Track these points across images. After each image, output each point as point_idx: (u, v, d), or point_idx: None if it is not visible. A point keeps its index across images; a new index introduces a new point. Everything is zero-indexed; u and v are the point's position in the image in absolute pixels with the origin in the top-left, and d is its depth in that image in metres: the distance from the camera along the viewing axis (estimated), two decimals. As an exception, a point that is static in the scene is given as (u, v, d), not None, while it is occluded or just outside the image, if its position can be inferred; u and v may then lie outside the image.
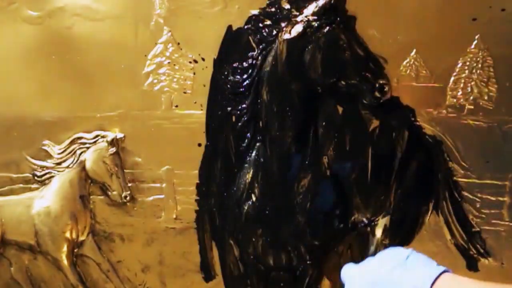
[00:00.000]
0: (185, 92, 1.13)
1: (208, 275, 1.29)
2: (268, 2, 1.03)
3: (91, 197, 1.27)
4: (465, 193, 1.11)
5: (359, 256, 1.20)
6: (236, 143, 1.14)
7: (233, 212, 1.19)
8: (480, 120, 1.05)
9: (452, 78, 1.04)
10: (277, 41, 1.03)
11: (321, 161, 1.11)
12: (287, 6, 1.02)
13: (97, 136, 1.20)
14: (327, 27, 1.00)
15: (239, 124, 1.12)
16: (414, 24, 0.99)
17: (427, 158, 1.10)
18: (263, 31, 1.04)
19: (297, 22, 1.01)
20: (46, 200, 1.25)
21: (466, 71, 1.03)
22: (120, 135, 1.19)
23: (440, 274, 0.74)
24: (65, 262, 1.29)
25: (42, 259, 1.32)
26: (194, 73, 1.11)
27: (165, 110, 1.15)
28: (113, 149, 1.19)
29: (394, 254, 0.82)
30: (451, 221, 1.14)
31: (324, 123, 1.08)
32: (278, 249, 1.20)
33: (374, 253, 1.17)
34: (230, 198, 1.19)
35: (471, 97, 1.05)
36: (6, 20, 1.12)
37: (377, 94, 1.00)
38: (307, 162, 1.11)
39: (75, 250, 1.30)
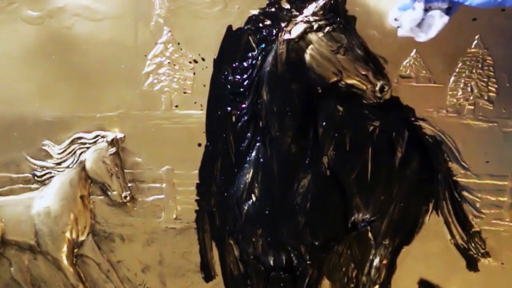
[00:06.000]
0: (185, 92, 1.13)
1: (208, 275, 1.29)
2: (268, 2, 1.03)
3: (91, 197, 1.27)
4: (465, 193, 1.12)
5: (359, 256, 1.20)
6: (236, 143, 1.14)
7: (233, 212, 1.19)
8: (480, 120, 1.05)
9: (452, 78, 1.04)
10: (277, 41, 1.03)
11: (321, 161, 1.11)
12: (287, 6, 1.01)
13: (97, 136, 1.20)
14: (327, 27, 1.00)
15: (239, 124, 1.12)
16: (414, 24, 0.99)
17: (427, 158, 1.10)
18: (263, 31, 1.04)
19: (297, 22, 1.01)
20: (46, 200, 1.25)
21: (466, 71, 1.03)
22: (120, 135, 1.19)
23: None
24: (65, 262, 1.29)
25: (42, 259, 1.32)
26: (194, 73, 1.11)
27: (165, 110, 1.15)
28: (113, 149, 1.19)
29: None
30: (451, 221, 1.14)
31: (324, 123, 1.08)
32: (278, 249, 1.20)
33: (375, 254, 1.18)
34: (230, 198, 1.19)
35: (471, 97, 1.05)
36: (6, 20, 1.12)
37: (377, 94, 1.00)
38: (307, 162, 1.11)
39: (75, 250, 1.30)
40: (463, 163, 1.09)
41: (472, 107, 1.05)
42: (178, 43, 1.10)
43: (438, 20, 0.86)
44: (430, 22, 0.87)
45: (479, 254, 1.15)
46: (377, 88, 1.00)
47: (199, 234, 1.25)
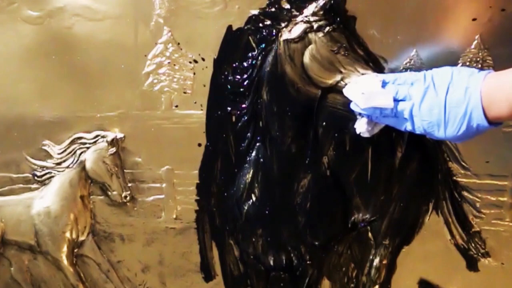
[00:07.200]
0: (185, 92, 1.13)
1: (208, 275, 1.29)
2: (268, 2, 1.03)
3: (91, 197, 1.27)
4: (465, 193, 1.11)
5: (359, 256, 1.20)
6: (236, 143, 1.14)
7: (233, 212, 1.19)
8: (480, 120, 1.05)
9: (452, 78, 1.04)
10: (277, 41, 1.03)
11: (321, 161, 1.11)
12: (287, 6, 1.02)
13: (97, 136, 1.20)
14: (327, 27, 1.00)
15: (239, 124, 1.12)
16: (414, 24, 0.99)
17: (427, 158, 1.10)
18: (263, 31, 1.05)
19: (297, 22, 1.01)
20: (46, 200, 1.26)
21: (466, 71, 1.03)
22: (120, 135, 1.19)
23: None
24: (65, 262, 1.29)
25: (42, 259, 1.32)
26: (194, 73, 1.11)
27: (165, 110, 1.15)
28: (113, 149, 1.19)
29: (441, 77, 0.87)
30: (451, 221, 1.14)
31: (324, 123, 1.08)
32: (278, 249, 1.20)
33: (375, 254, 1.18)
34: (230, 198, 1.19)
35: (471, 97, 1.05)
36: (6, 20, 1.12)
37: (377, 94, 1.00)
38: (307, 162, 1.11)
39: (75, 250, 1.30)
40: (463, 163, 1.09)
41: (472, 107, 1.05)
42: (178, 43, 1.10)
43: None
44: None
45: (479, 254, 1.15)
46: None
47: (199, 234, 1.25)
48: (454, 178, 1.11)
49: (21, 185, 1.28)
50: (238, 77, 1.09)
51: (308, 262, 1.21)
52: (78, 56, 1.13)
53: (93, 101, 1.17)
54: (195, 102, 1.14)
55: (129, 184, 1.23)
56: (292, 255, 1.21)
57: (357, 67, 1.01)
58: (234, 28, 1.06)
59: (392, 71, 1.02)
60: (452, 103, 0.82)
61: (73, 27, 1.11)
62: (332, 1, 0.99)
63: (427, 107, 0.85)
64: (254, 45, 1.06)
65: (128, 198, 1.23)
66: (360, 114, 0.99)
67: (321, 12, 1.00)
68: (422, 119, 0.86)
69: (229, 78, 1.10)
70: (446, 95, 0.83)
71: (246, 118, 1.11)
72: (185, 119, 1.15)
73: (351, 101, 0.98)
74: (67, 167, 1.23)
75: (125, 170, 1.22)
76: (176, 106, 1.15)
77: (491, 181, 1.09)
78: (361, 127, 1.00)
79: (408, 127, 0.89)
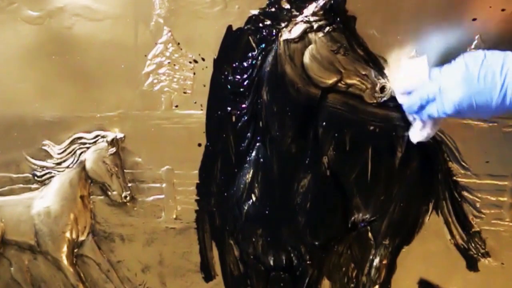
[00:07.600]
0: (185, 92, 1.13)
1: (208, 275, 1.29)
2: (268, 2, 1.03)
3: (91, 197, 1.27)
4: (465, 193, 1.11)
5: (359, 256, 1.20)
6: (236, 143, 1.14)
7: (233, 212, 1.19)
8: (480, 120, 1.05)
9: (452, 78, 1.04)
10: (277, 41, 1.03)
11: (321, 161, 1.11)
12: (287, 6, 1.01)
13: (97, 136, 1.20)
14: (327, 27, 1.00)
15: (239, 124, 1.12)
16: (414, 24, 0.99)
17: (427, 158, 1.10)
18: (263, 31, 1.04)
19: (297, 22, 1.01)
20: (46, 200, 1.26)
21: (466, 71, 1.03)
22: (120, 135, 1.19)
23: None
24: (65, 262, 1.29)
25: (42, 259, 1.32)
26: (194, 73, 1.11)
27: (165, 110, 1.15)
28: (113, 149, 1.19)
29: (473, 58, 0.88)
30: (451, 221, 1.14)
31: (324, 123, 1.08)
32: (278, 249, 1.20)
33: (375, 254, 1.18)
34: (230, 198, 1.19)
35: (471, 97, 1.04)
36: (6, 20, 1.13)
37: (377, 94, 1.00)
38: (307, 162, 1.11)
39: (75, 250, 1.30)
40: (463, 163, 1.09)
41: (472, 107, 1.05)
42: (178, 43, 1.10)
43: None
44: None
45: (479, 254, 1.15)
46: (377, 88, 1.00)
47: (199, 234, 1.25)
48: (454, 178, 1.11)
49: (21, 185, 1.28)
50: (238, 77, 1.09)
51: (308, 262, 1.21)
52: (78, 56, 1.13)
53: (93, 101, 1.17)
54: (195, 102, 1.14)
55: (129, 184, 1.23)
56: (292, 255, 1.21)
57: (357, 67, 1.01)
58: (234, 28, 1.06)
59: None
60: (488, 78, 0.84)
61: (73, 27, 1.11)
62: (332, 1, 0.98)
63: (457, 84, 0.87)
64: (254, 45, 1.06)
65: (128, 198, 1.23)
66: (413, 118, 1.01)
67: (321, 12, 0.99)
68: (453, 96, 0.88)
69: (229, 78, 1.10)
70: (479, 72, 0.85)
71: (246, 118, 1.11)
72: (185, 119, 1.15)
73: (350, 99, 0.98)
74: (67, 167, 1.23)
75: (125, 170, 1.22)
76: (176, 106, 1.15)
77: (491, 181, 1.09)
78: (415, 134, 1.02)
79: (440, 108, 0.91)
